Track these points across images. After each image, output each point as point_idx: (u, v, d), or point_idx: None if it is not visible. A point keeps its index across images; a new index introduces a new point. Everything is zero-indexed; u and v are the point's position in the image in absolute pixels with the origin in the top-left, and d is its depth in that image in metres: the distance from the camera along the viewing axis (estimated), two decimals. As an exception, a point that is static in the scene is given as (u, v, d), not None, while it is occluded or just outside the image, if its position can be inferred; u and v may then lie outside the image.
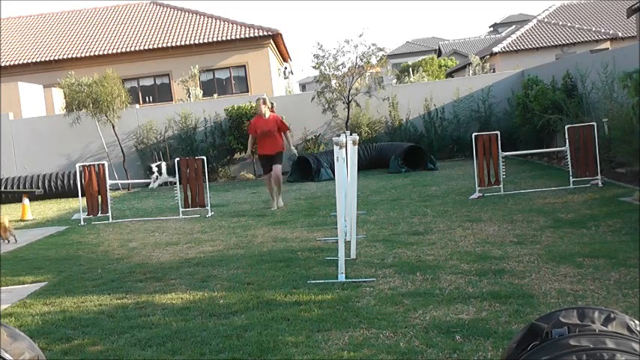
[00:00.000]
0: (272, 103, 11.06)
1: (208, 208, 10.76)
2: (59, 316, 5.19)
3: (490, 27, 64.64)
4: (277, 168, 10.61)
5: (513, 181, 11.23)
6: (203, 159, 11.20)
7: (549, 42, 30.38)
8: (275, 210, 10.46)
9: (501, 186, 10.10)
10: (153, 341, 4.36)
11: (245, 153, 15.32)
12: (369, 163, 15.88)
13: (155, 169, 13.25)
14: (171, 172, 12.73)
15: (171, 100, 25.29)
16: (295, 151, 11.36)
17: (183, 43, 25.65)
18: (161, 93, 26.40)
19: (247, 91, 25.43)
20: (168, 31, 26.88)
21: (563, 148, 10.70)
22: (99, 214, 11.00)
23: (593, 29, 30.83)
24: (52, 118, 18.76)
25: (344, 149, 6.08)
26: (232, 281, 5.90)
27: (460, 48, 50.82)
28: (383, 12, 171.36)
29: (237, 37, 25.75)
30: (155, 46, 25.78)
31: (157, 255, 7.57)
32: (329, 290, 5.30)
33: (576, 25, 31.49)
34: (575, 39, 30.18)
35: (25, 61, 25.82)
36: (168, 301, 5.37)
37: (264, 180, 11.27)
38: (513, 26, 45.45)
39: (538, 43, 30.45)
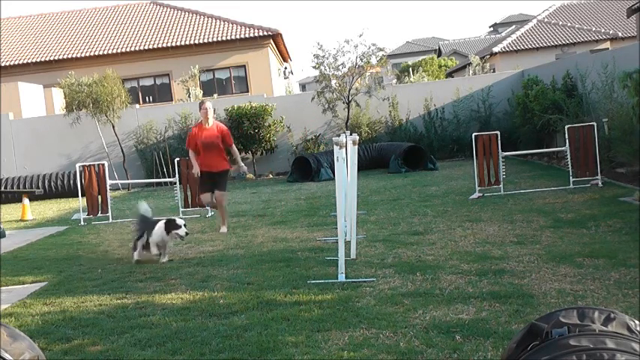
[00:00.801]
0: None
1: (208, 208, 10.76)
2: (59, 316, 5.19)
3: (490, 27, 64.65)
4: (222, 195, 9.02)
5: (513, 181, 11.23)
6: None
7: (549, 42, 30.38)
8: (222, 232, 8.76)
9: (501, 186, 10.10)
10: (153, 341, 4.36)
11: (243, 153, 12.39)
12: (369, 163, 15.89)
13: (181, 221, 7.35)
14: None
15: (171, 100, 25.29)
16: (245, 167, 9.33)
17: (183, 43, 25.65)
18: (161, 93, 26.40)
19: (247, 91, 25.43)
20: (168, 31, 26.88)
21: (563, 148, 10.70)
22: (99, 214, 11.01)
23: (593, 29, 30.81)
24: (52, 118, 18.76)
25: (344, 149, 6.08)
26: (232, 281, 5.89)
27: (460, 48, 50.83)
28: (383, 12, 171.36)
29: (237, 37, 25.75)
30: (155, 46, 25.78)
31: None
32: (329, 290, 5.30)
33: (576, 25, 31.48)
34: (575, 39, 30.18)
35: (25, 61, 25.83)
36: (168, 301, 5.36)
37: (200, 200, 9.51)
38: (513, 26, 45.46)
39: (538, 43, 30.44)
